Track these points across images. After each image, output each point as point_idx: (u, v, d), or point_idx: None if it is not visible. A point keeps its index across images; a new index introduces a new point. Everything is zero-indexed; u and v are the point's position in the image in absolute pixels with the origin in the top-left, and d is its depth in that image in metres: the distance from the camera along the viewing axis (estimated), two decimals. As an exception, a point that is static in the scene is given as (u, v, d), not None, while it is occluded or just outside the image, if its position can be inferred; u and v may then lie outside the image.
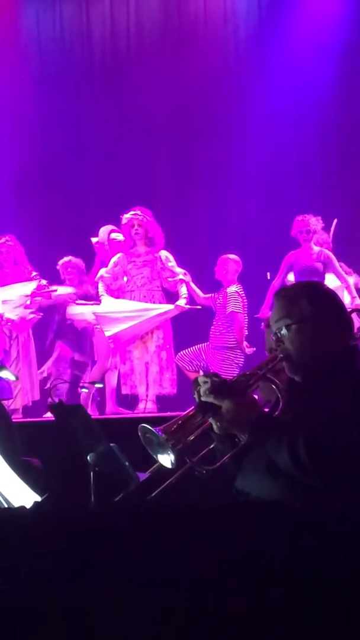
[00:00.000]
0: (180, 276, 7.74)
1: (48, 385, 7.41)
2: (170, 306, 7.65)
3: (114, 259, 7.85)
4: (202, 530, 1.92)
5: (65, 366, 8.02)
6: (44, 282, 7.88)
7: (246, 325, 7.77)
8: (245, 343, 7.71)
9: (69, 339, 8.05)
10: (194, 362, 7.75)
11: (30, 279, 7.88)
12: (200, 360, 7.75)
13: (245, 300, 7.78)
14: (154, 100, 9.17)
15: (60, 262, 8.12)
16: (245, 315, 7.77)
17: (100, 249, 8.16)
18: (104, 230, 8.13)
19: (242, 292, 7.80)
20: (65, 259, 8.10)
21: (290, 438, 2.37)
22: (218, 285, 7.93)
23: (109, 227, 8.11)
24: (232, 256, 7.91)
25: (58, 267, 8.11)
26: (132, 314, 7.53)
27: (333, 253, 7.86)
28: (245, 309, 7.78)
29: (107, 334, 7.61)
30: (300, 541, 1.89)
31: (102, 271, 7.88)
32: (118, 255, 7.83)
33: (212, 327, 7.83)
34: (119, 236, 7.95)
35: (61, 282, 8.07)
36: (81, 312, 7.97)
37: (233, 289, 7.77)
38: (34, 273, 7.94)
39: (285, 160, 9.08)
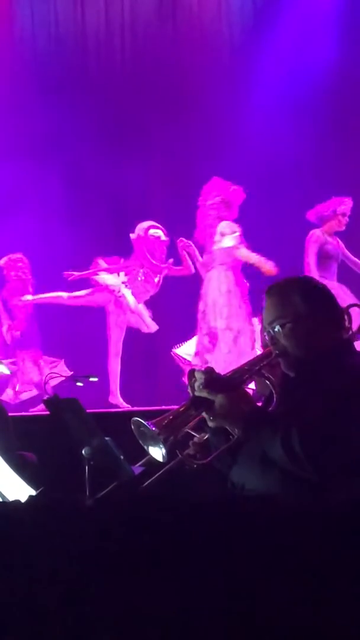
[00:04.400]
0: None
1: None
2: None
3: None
4: (200, 524, 1.93)
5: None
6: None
7: None
8: None
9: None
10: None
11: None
12: None
13: None
14: (149, 95, 9.15)
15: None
16: None
17: (138, 243, 8.06)
18: (141, 227, 8.04)
19: None
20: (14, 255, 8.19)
21: (283, 431, 2.38)
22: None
23: (148, 222, 8.05)
24: None
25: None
26: None
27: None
28: None
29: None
30: (298, 536, 1.90)
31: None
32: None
33: None
34: (157, 232, 7.94)
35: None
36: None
37: None
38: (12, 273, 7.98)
39: (282, 153, 9.05)
